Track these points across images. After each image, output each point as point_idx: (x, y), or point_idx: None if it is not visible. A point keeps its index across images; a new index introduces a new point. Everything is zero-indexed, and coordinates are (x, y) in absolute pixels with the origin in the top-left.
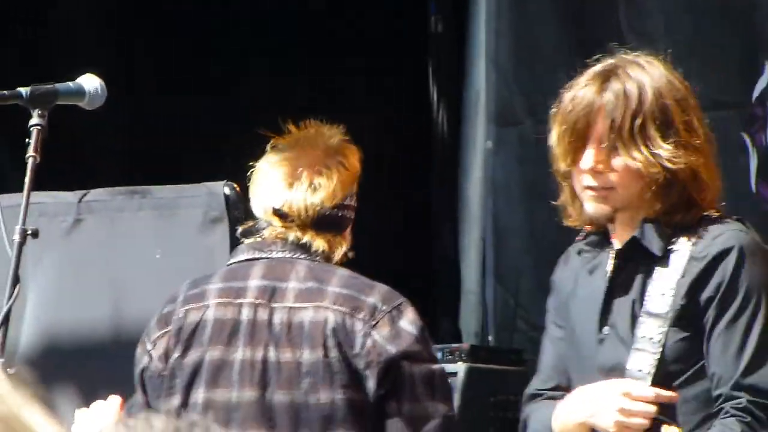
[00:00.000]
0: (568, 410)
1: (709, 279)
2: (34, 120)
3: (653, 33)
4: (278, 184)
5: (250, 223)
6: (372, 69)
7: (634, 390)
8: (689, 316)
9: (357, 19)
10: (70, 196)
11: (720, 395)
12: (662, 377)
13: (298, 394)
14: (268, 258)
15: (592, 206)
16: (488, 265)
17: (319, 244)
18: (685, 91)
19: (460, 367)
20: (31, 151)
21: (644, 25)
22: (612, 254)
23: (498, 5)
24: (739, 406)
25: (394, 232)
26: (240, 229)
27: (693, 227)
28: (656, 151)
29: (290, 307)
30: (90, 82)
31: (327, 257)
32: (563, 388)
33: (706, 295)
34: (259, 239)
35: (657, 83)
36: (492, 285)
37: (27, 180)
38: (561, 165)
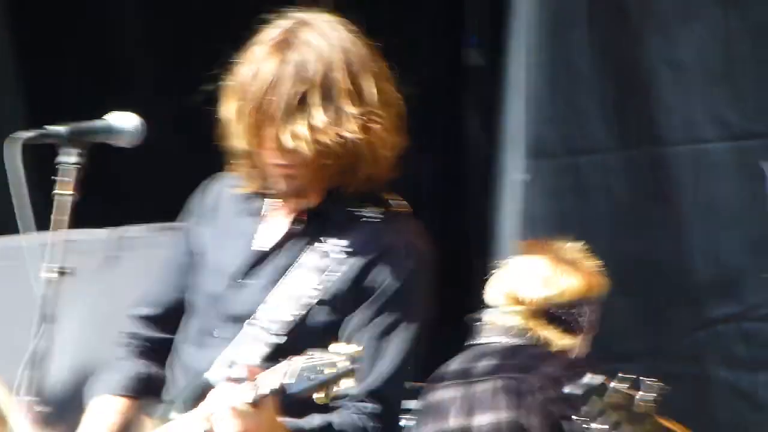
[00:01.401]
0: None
1: (379, 270)
2: (73, 158)
3: (685, 62)
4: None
5: None
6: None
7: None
8: (345, 297)
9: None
10: (106, 234)
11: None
12: (295, 336)
13: None
14: None
15: (282, 183)
16: None
17: None
18: (365, 56)
19: None
20: (69, 189)
21: (676, 55)
22: (273, 208)
23: (538, 38)
24: (365, 410)
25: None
26: None
27: (372, 205)
28: (315, 124)
29: None
30: (129, 121)
31: None
32: (163, 318)
33: (369, 285)
34: None
35: (332, 51)
36: None
37: (65, 218)
38: (243, 143)
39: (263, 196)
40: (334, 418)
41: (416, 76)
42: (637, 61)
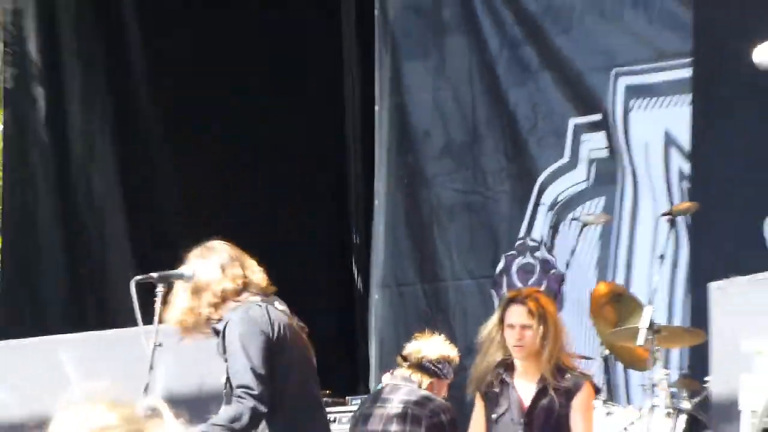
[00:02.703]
0: None
1: (224, 334)
2: (161, 289)
3: (454, 243)
4: None
5: None
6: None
7: None
8: (223, 351)
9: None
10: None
11: (235, 393)
12: (227, 380)
13: None
14: None
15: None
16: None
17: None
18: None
19: None
20: (159, 307)
21: (449, 238)
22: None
23: (385, 226)
24: (239, 394)
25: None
26: None
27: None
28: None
29: None
30: (189, 270)
31: None
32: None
33: (223, 341)
34: None
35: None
36: None
37: (157, 321)
38: None
39: None
40: (229, 411)
41: (321, 247)
42: (426, 238)
